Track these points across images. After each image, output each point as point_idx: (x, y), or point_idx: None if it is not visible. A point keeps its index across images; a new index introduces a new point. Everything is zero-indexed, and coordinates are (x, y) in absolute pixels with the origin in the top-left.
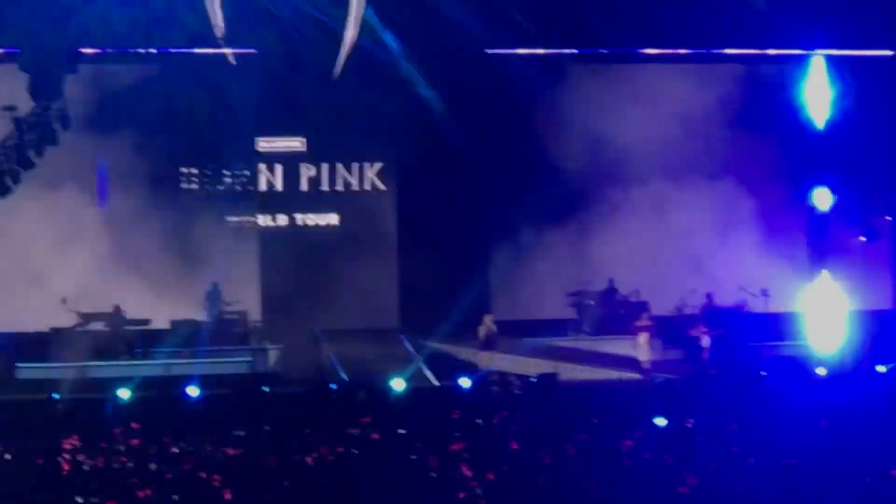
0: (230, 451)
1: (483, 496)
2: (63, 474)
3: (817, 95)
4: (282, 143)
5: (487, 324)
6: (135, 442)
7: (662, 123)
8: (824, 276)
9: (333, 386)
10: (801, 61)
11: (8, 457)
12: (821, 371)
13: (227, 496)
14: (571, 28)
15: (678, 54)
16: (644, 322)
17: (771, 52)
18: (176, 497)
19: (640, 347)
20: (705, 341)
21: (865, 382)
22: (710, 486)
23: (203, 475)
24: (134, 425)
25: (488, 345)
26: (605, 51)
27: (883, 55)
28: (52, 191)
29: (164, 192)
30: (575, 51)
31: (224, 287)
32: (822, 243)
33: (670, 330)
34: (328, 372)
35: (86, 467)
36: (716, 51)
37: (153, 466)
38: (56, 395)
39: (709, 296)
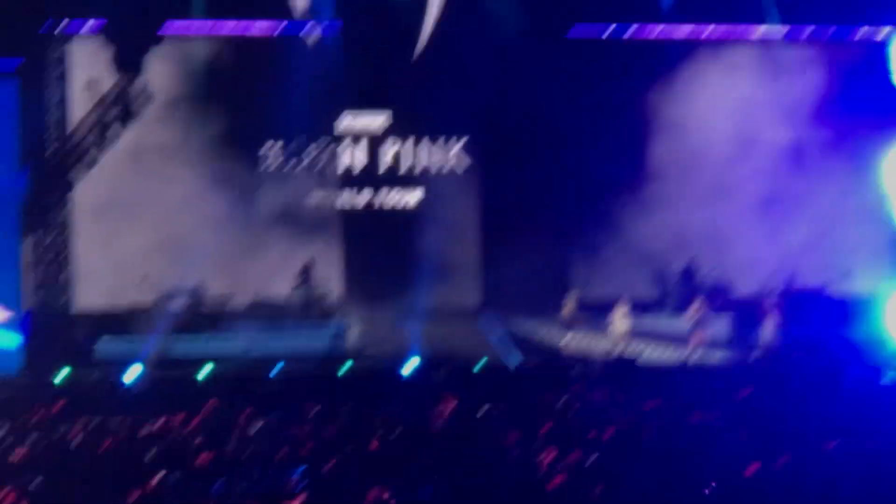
0: (307, 430)
1: (561, 475)
2: (137, 450)
3: None
4: (365, 120)
5: (569, 304)
6: (211, 420)
7: (746, 101)
8: None
9: (413, 364)
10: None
11: (84, 431)
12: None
13: (303, 474)
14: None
15: (755, 36)
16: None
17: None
18: (250, 474)
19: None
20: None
21: None
22: (786, 467)
23: (280, 454)
24: (211, 404)
25: (570, 325)
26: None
27: None
28: (133, 167)
29: (247, 170)
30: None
31: (305, 265)
32: None
33: (749, 311)
34: (408, 350)
35: (161, 443)
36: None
37: (230, 445)
38: (135, 371)
39: (790, 276)
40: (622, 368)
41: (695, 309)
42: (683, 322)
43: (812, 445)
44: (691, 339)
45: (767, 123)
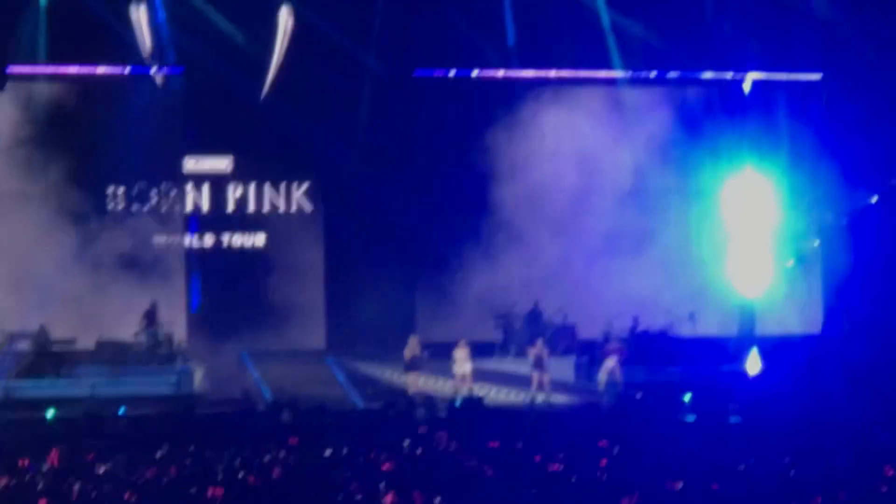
0: (153, 473)
1: None
2: None
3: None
4: (209, 163)
5: (413, 346)
6: (57, 463)
7: (592, 144)
8: (753, 299)
9: (258, 405)
10: (728, 85)
11: None
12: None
13: None
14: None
15: (600, 77)
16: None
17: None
18: None
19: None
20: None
21: (789, 405)
22: None
23: (126, 496)
24: (56, 447)
25: (414, 366)
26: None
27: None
28: None
29: (92, 212)
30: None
31: (149, 307)
32: (750, 268)
33: (593, 352)
34: (253, 393)
35: (5, 486)
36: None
37: (76, 487)
38: None
39: (635, 318)
40: (464, 410)
41: (538, 351)
42: (526, 364)
43: (658, 486)
44: (534, 381)
45: (614, 166)
